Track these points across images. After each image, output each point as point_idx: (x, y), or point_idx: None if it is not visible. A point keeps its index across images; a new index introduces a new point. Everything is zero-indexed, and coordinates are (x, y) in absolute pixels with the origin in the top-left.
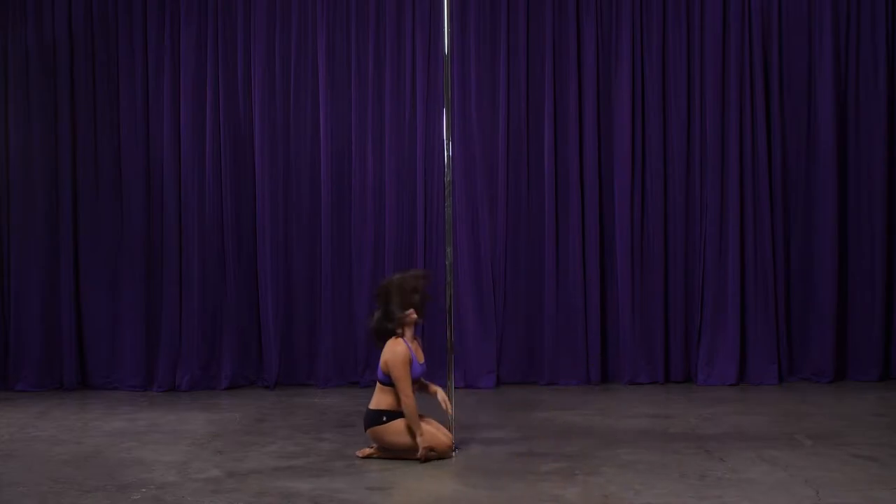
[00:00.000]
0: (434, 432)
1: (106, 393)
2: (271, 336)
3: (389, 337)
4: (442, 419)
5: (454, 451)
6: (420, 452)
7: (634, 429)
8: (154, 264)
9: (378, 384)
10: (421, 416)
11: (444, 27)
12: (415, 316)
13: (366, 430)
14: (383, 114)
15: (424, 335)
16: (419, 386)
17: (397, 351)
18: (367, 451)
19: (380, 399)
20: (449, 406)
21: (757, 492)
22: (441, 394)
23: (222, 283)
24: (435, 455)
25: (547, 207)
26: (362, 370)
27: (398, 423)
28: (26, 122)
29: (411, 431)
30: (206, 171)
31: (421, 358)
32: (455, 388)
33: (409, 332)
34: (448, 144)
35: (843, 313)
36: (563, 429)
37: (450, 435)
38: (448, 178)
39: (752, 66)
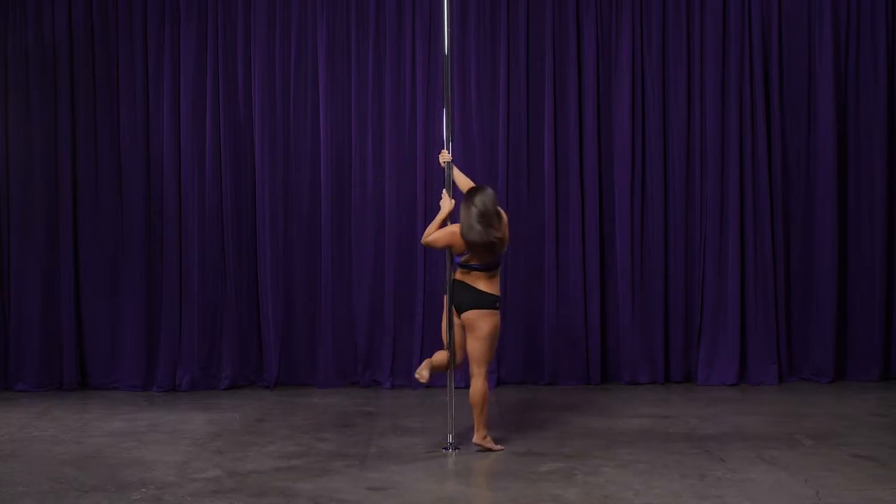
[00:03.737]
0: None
1: (106, 393)
2: (271, 336)
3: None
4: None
5: (448, 450)
6: None
7: (634, 429)
8: (154, 264)
9: (479, 273)
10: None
11: (444, 27)
12: None
13: (470, 309)
14: (383, 114)
15: (424, 335)
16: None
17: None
18: (426, 373)
19: (492, 285)
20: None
21: (757, 492)
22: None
23: (222, 283)
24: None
25: (547, 207)
26: (362, 370)
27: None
28: (26, 122)
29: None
30: (206, 171)
31: None
32: (455, 387)
33: None
34: (448, 144)
35: (843, 313)
36: (563, 429)
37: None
38: (448, 179)
39: (752, 66)
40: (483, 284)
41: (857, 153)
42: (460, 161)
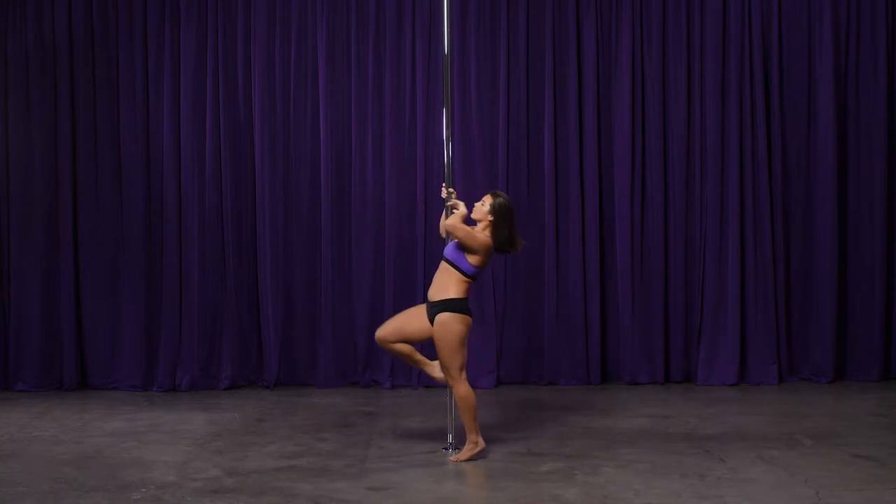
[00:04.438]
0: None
1: (106, 393)
2: (271, 336)
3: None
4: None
5: (448, 450)
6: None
7: (634, 429)
8: (154, 264)
9: (460, 275)
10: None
11: (444, 27)
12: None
13: (442, 313)
14: (383, 114)
15: None
16: None
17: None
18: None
19: (461, 289)
20: None
21: (757, 492)
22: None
23: (222, 283)
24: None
25: (547, 207)
26: (362, 370)
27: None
28: (26, 122)
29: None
30: (206, 171)
31: None
32: None
33: None
34: (448, 144)
35: (843, 313)
36: (563, 429)
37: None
38: (448, 179)
39: (752, 66)
40: (442, 294)
41: (857, 153)
42: (460, 161)
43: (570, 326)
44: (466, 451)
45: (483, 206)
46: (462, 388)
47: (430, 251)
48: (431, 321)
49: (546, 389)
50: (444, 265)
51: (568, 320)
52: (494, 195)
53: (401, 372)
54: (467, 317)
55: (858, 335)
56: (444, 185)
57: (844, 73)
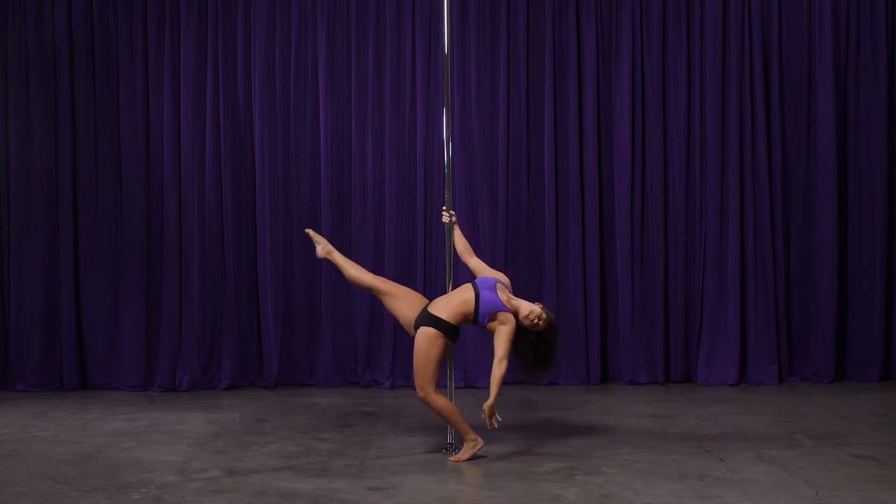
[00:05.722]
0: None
1: (106, 393)
2: (271, 336)
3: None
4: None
5: (448, 450)
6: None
7: (634, 429)
8: (154, 264)
9: (470, 314)
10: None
11: (444, 27)
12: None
13: (429, 327)
14: (383, 114)
15: None
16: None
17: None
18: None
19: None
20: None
21: (757, 492)
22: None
23: (222, 283)
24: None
25: (547, 208)
26: (362, 370)
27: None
28: (26, 122)
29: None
30: (206, 171)
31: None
32: (455, 388)
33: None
34: (448, 144)
35: (843, 313)
36: (563, 429)
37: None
38: (448, 179)
39: (752, 67)
40: (441, 312)
41: (857, 153)
42: (460, 161)
43: (571, 327)
44: (467, 451)
45: (536, 322)
46: (438, 402)
47: (430, 251)
48: (416, 326)
49: (546, 389)
50: (468, 292)
51: (568, 320)
52: (549, 318)
53: (401, 372)
54: (451, 341)
55: (858, 335)
56: (444, 208)
57: (844, 72)
